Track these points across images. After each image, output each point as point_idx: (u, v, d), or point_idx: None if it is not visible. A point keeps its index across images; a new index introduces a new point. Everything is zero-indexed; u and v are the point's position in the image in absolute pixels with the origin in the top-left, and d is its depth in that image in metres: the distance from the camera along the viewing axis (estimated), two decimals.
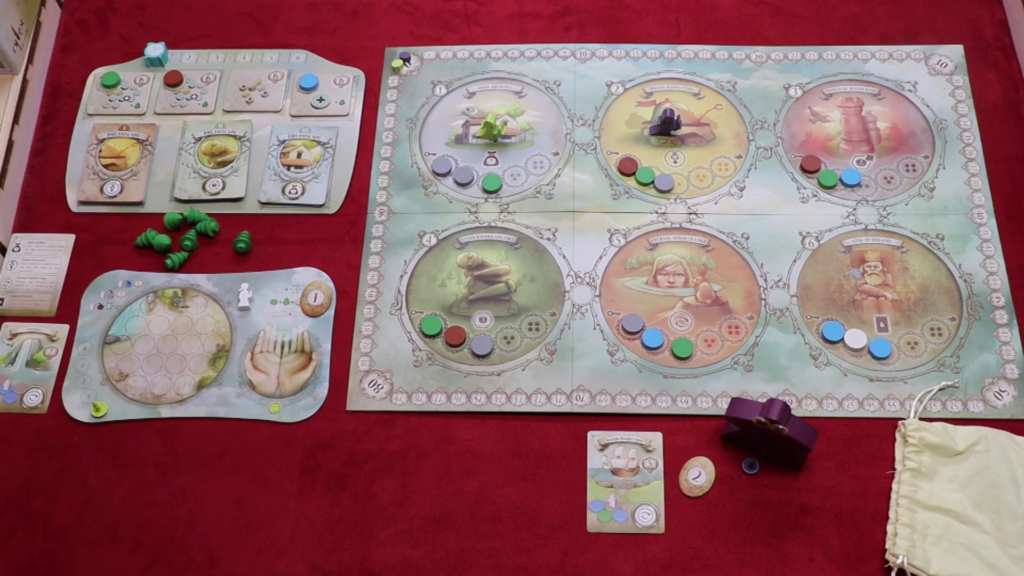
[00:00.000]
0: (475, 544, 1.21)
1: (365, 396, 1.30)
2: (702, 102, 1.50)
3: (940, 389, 1.28)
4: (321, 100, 1.51)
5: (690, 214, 1.41)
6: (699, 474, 1.24)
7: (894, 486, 1.22)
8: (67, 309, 1.37)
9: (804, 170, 1.44)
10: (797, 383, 1.29)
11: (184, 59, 1.56)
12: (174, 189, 1.45)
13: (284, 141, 1.48)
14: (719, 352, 1.32)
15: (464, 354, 1.33)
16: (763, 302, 1.35)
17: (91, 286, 1.38)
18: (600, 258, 1.38)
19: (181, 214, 1.42)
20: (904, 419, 1.26)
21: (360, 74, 1.54)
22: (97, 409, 1.29)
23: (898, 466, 1.23)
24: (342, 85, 1.52)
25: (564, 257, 1.39)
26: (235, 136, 1.49)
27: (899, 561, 1.17)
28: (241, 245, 1.39)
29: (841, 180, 1.42)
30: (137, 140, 1.49)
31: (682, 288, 1.36)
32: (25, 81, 1.50)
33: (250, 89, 1.53)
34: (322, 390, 1.31)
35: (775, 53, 1.53)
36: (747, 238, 1.39)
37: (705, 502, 1.23)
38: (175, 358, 1.33)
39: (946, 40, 1.54)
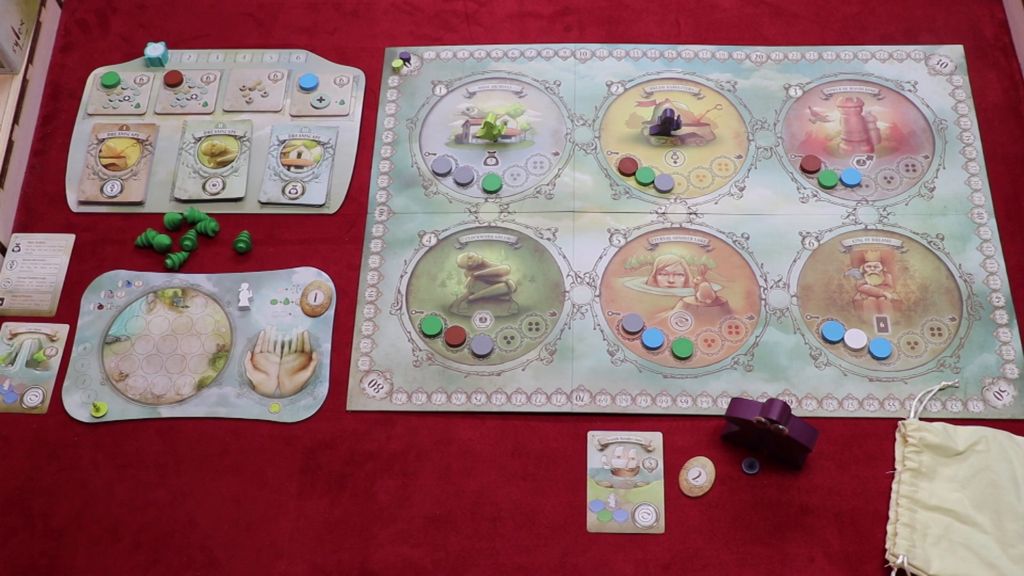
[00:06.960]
0: (475, 544, 1.21)
1: (365, 396, 1.30)
2: (702, 102, 1.50)
3: (940, 389, 1.28)
4: (321, 100, 1.51)
5: (690, 214, 1.41)
6: (699, 474, 1.24)
7: (894, 486, 1.22)
8: (67, 309, 1.37)
9: (804, 170, 1.44)
10: (797, 383, 1.29)
11: (184, 59, 1.56)
12: (174, 189, 1.45)
13: (284, 141, 1.48)
14: (719, 352, 1.32)
15: (464, 354, 1.33)
16: (763, 302, 1.35)
17: (91, 286, 1.38)
18: (600, 258, 1.38)
19: (181, 214, 1.42)
20: (904, 419, 1.26)
21: (360, 74, 1.54)
22: (97, 409, 1.29)
23: (898, 466, 1.23)
24: (342, 85, 1.52)
25: (564, 257, 1.39)
26: (235, 136, 1.49)
27: (899, 561, 1.17)
28: (241, 245, 1.39)
29: (841, 180, 1.42)
30: (137, 140, 1.49)
31: (682, 288, 1.36)
32: (25, 81, 1.50)
33: (250, 89, 1.53)
34: (322, 390, 1.31)
35: (775, 53, 1.53)
36: (747, 238, 1.39)
37: (705, 502, 1.23)
38: (175, 358, 1.33)
39: (946, 40, 1.53)
